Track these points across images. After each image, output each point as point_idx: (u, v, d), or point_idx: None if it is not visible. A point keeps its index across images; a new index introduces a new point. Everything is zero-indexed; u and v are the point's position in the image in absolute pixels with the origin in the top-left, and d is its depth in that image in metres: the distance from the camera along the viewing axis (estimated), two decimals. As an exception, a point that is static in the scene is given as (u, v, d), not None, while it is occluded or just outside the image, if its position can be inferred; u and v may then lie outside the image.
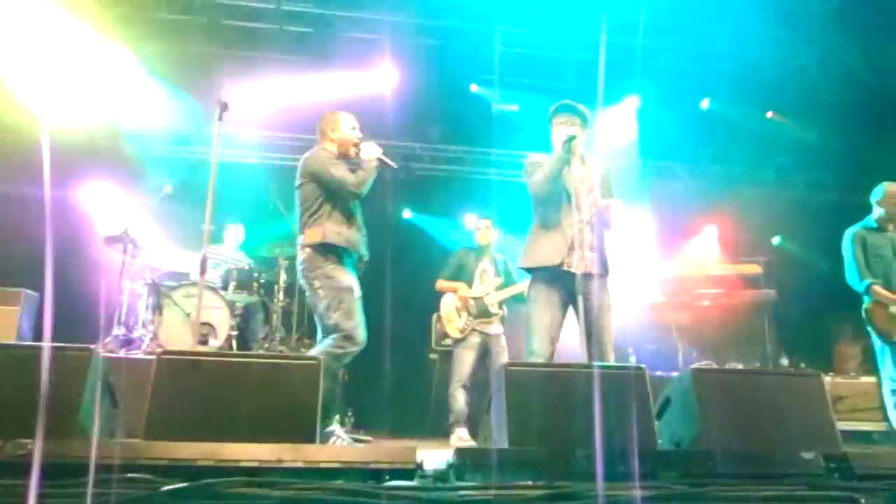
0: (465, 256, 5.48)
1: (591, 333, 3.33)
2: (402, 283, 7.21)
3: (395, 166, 4.01)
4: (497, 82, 7.19)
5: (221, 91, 5.86)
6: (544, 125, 3.83)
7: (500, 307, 5.30)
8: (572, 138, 3.46)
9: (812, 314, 7.67)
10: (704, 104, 7.69)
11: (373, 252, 7.32)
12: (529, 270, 3.60)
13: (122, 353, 5.16)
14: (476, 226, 5.57)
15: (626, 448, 2.26)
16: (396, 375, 6.76)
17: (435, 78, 7.12)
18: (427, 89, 7.04)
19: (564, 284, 3.44)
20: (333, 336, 3.60)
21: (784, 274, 7.25)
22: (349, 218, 3.78)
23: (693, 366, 3.32)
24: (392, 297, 7.25)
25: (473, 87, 7.42)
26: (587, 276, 3.38)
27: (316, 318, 3.79)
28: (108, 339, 5.37)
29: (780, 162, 8.00)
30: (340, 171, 3.74)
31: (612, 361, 3.34)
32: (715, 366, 5.11)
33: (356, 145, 3.85)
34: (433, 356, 6.40)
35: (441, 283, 5.46)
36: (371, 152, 3.76)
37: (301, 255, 3.77)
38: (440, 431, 5.55)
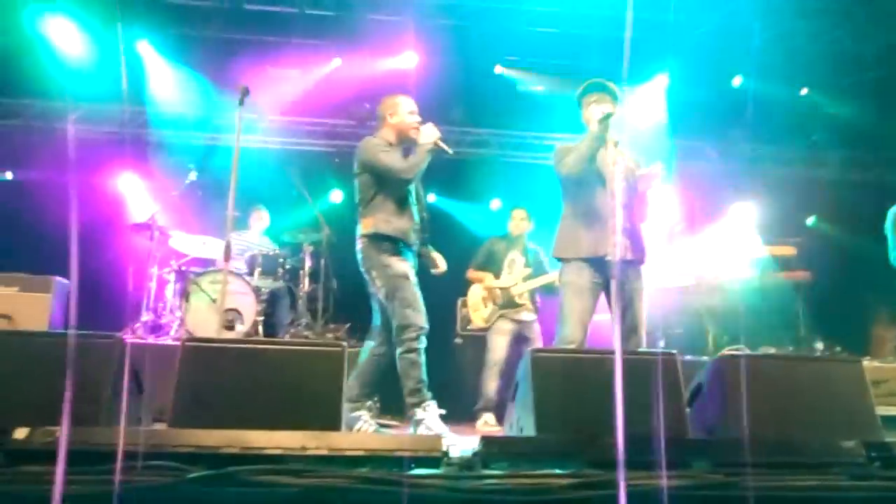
0: (495, 244, 5.42)
1: (624, 320, 3.27)
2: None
3: (451, 152, 3.91)
4: (522, 63, 7.07)
5: (243, 76, 5.86)
6: (571, 106, 3.75)
7: (530, 298, 5.22)
8: (609, 115, 3.36)
9: (847, 297, 7.47)
10: (736, 81, 7.47)
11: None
12: (564, 260, 3.52)
13: (150, 339, 5.23)
14: (511, 215, 5.47)
15: (655, 436, 2.21)
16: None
17: (459, 59, 7.02)
18: (451, 71, 6.95)
19: (598, 270, 3.37)
20: (399, 337, 3.59)
21: (819, 255, 7.06)
22: (401, 206, 3.70)
23: (725, 351, 3.24)
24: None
25: (498, 69, 7.30)
26: (622, 262, 3.32)
27: (378, 308, 3.81)
28: (137, 325, 5.44)
29: (815, 140, 7.75)
30: (390, 158, 3.66)
31: (643, 346, 3.28)
32: (748, 350, 5.00)
33: (416, 129, 3.75)
34: (459, 341, 6.37)
35: (471, 273, 5.43)
36: (428, 136, 3.65)
37: (358, 246, 3.75)
38: (467, 417, 5.53)
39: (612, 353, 2.49)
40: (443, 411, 3.66)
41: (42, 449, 1.79)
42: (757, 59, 7.01)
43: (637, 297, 3.36)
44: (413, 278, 3.67)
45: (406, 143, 3.80)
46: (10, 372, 2.13)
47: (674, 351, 2.49)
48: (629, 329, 3.29)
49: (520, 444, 1.95)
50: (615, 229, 3.32)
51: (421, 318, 3.60)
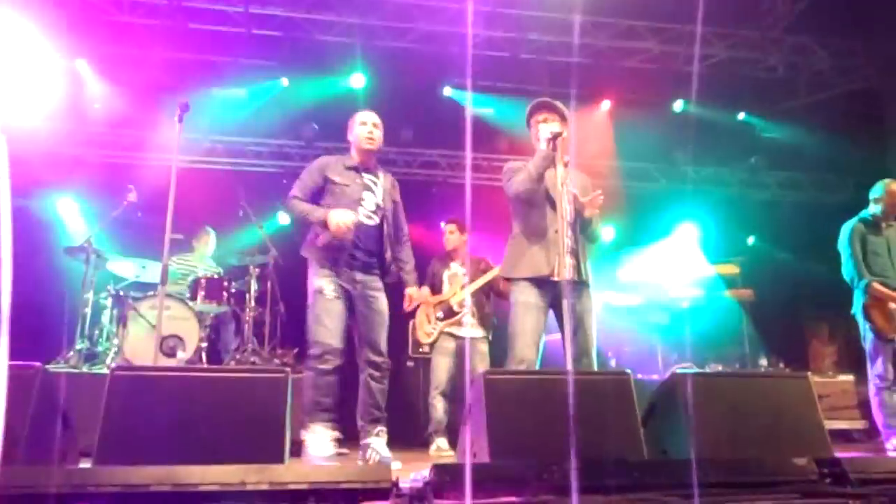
0: (435, 265, 5.39)
1: (575, 340, 3.24)
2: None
3: None
4: (470, 85, 7.11)
5: (188, 96, 5.69)
6: (520, 128, 3.75)
7: (477, 310, 5.17)
8: (558, 134, 3.36)
9: (787, 314, 7.72)
10: (677, 106, 7.70)
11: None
12: (512, 280, 3.49)
13: (84, 369, 4.95)
14: (443, 229, 5.46)
15: (611, 458, 2.16)
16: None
17: (408, 81, 7.01)
18: (400, 92, 6.93)
19: (546, 290, 3.35)
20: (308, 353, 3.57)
21: (760, 274, 7.27)
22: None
23: (676, 369, 3.25)
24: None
25: (446, 91, 7.33)
26: (571, 282, 3.30)
27: None
28: (71, 353, 5.14)
29: (754, 162, 8.03)
30: (294, 190, 3.75)
31: (595, 367, 3.25)
32: (696, 368, 5.06)
33: (369, 139, 3.75)
34: (410, 364, 6.27)
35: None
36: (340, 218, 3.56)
37: None
38: (422, 442, 5.42)
39: (566, 373, 2.45)
40: (336, 434, 3.53)
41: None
42: (696, 85, 7.26)
43: (587, 318, 3.35)
44: (329, 294, 3.55)
45: (364, 156, 3.80)
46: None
47: (628, 370, 2.46)
48: (581, 350, 3.26)
49: (473, 472, 1.87)
50: (565, 250, 3.31)
51: (327, 336, 3.49)
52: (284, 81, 7.19)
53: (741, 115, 7.92)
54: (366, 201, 3.72)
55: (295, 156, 7.84)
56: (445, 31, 6.72)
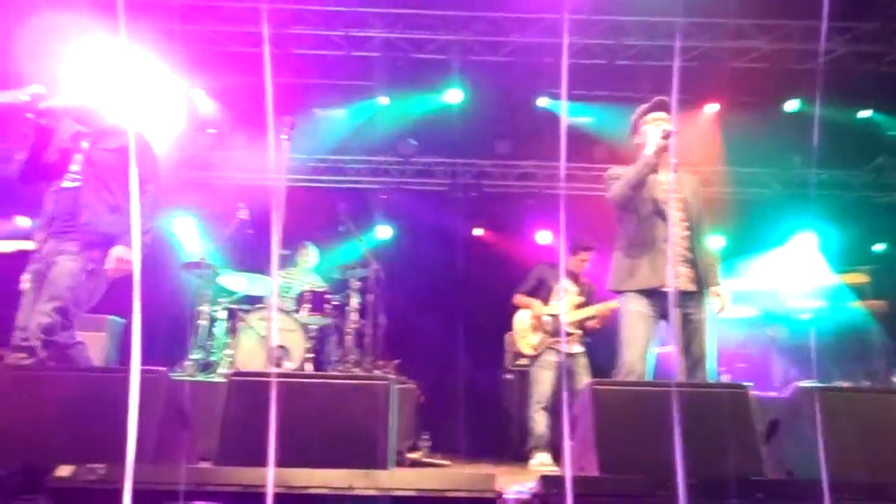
0: (545, 271, 5.23)
1: (688, 352, 3.09)
2: (475, 302, 7.09)
3: None
4: (566, 95, 7.00)
5: (292, 117, 5.96)
6: (618, 137, 3.65)
7: (580, 329, 5.03)
8: (670, 133, 3.21)
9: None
10: (789, 106, 7.24)
11: (443, 270, 7.30)
12: (620, 293, 3.39)
13: (200, 377, 5.23)
14: (577, 255, 5.18)
15: (730, 477, 2.02)
16: (472, 397, 6.61)
17: (502, 94, 7.02)
18: (495, 105, 6.95)
19: (658, 300, 3.21)
20: None
21: (891, 283, 6.65)
22: None
23: (800, 384, 3.01)
24: (465, 317, 7.14)
25: (541, 101, 7.26)
26: (683, 293, 3.18)
27: None
28: (188, 362, 5.46)
29: (880, 163, 7.40)
30: None
31: (707, 380, 3.08)
32: (820, 384, 4.67)
33: None
34: (509, 377, 6.21)
35: (517, 299, 5.26)
36: None
37: None
38: (519, 456, 5.33)
39: (678, 385, 2.32)
40: None
41: (85, 487, 1.73)
42: (809, 82, 6.81)
43: (701, 329, 3.18)
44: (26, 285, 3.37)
45: None
46: (54, 409, 2.10)
47: (746, 384, 2.30)
48: (694, 361, 3.10)
49: (582, 485, 1.80)
50: (675, 259, 3.18)
51: None
52: (382, 100, 7.38)
53: (864, 113, 7.33)
54: None
55: (393, 172, 8.03)
56: (540, 42, 6.67)
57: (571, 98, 7.09)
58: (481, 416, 6.52)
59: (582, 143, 7.27)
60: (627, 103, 6.42)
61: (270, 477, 1.74)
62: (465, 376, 6.76)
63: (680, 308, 3.16)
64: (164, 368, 2.18)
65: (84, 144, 3.40)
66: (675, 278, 3.19)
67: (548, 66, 6.87)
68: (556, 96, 7.22)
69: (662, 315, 3.23)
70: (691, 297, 3.21)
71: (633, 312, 3.23)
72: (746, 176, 7.62)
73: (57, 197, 3.32)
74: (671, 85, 6.10)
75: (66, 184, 3.33)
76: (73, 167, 3.36)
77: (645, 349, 3.16)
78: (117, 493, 1.73)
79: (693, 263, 3.25)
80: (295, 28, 6.66)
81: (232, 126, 7.43)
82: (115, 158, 3.38)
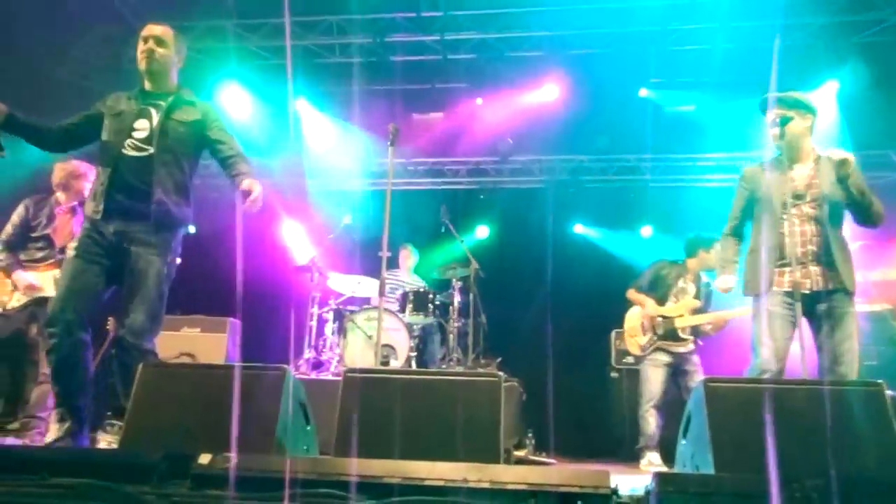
0: (664, 269, 5.03)
1: (824, 349, 2.97)
2: (578, 299, 7.00)
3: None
4: (669, 83, 6.78)
5: (392, 123, 6.13)
6: (724, 123, 3.53)
7: (692, 332, 4.84)
8: (782, 135, 3.13)
9: None
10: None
11: (542, 268, 7.25)
12: (753, 297, 3.29)
13: (312, 375, 5.49)
14: (698, 253, 4.98)
15: (866, 479, 1.91)
16: (576, 395, 6.54)
17: (601, 87, 6.88)
18: (593, 99, 6.83)
19: (793, 300, 3.08)
20: None
21: None
22: None
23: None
24: (566, 314, 7.06)
25: (642, 92, 7.04)
26: (817, 293, 3.09)
27: None
28: (300, 361, 5.75)
29: None
30: None
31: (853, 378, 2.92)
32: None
33: None
34: (614, 375, 6.10)
35: (632, 294, 5.09)
36: None
37: None
38: (626, 455, 5.22)
39: (800, 382, 2.21)
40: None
41: (221, 474, 1.88)
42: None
43: (840, 326, 3.04)
44: (72, 252, 3.03)
45: None
46: (193, 402, 2.29)
47: (879, 381, 2.15)
48: (832, 359, 2.97)
49: (699, 483, 1.75)
50: (807, 259, 3.11)
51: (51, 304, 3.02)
52: (479, 100, 7.43)
53: None
54: None
55: (491, 171, 8.07)
56: (640, 31, 6.49)
57: (675, 87, 6.86)
58: (585, 414, 6.44)
59: (687, 131, 7.01)
60: (735, 88, 6.16)
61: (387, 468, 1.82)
62: (568, 374, 6.69)
63: (815, 306, 3.08)
64: (287, 366, 2.32)
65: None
66: (806, 279, 3.10)
67: (648, 55, 6.68)
68: (657, 86, 6.99)
69: (799, 315, 3.11)
70: (826, 296, 3.10)
71: (767, 312, 3.12)
72: (875, 158, 7.05)
73: (118, 164, 2.99)
74: (782, 66, 5.78)
75: (129, 152, 3.02)
76: (138, 134, 3.05)
77: (777, 350, 3.05)
78: (250, 480, 1.87)
79: (825, 262, 3.12)
80: (391, 36, 6.83)
81: (335, 134, 7.72)
82: (187, 133, 3.14)
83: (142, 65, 3.17)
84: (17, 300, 4.22)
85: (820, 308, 3.09)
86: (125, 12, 6.32)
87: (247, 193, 2.96)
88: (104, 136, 3.09)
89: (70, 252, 3.00)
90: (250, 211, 2.98)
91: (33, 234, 4.27)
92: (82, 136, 3.19)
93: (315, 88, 7.43)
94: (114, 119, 3.10)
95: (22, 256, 4.27)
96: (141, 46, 3.16)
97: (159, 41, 3.16)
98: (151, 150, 3.04)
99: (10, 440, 3.21)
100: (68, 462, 1.94)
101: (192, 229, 7.98)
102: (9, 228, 4.32)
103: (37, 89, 3.38)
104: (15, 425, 4.35)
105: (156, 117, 3.09)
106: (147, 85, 3.22)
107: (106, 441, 2.90)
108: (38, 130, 3.07)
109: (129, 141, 3.03)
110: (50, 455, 2.24)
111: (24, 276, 4.19)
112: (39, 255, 4.25)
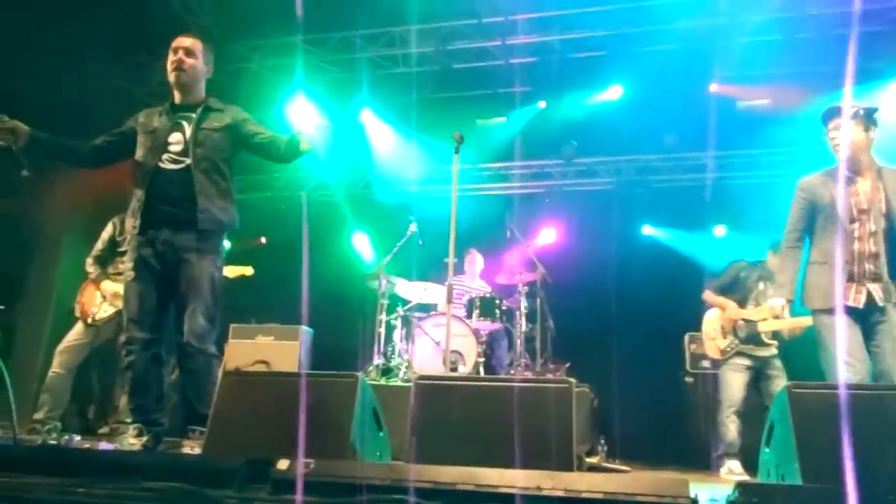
0: (743, 270, 4.82)
1: (877, 360, 2.89)
2: (647, 302, 6.83)
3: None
4: (739, 77, 6.54)
5: (456, 130, 6.17)
6: (799, 116, 3.41)
7: (776, 336, 4.64)
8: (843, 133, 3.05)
9: None
10: None
11: (610, 271, 7.11)
12: (814, 310, 3.27)
13: (382, 382, 5.57)
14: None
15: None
16: (647, 400, 6.38)
17: (667, 84, 6.70)
18: (660, 97, 6.66)
19: (854, 316, 3.11)
20: None
21: None
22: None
23: None
24: (636, 318, 6.90)
25: (713, 88, 6.81)
26: (873, 307, 3.07)
27: None
28: (370, 368, 5.83)
29: None
30: None
31: None
32: None
33: None
34: (689, 379, 5.91)
35: (709, 295, 4.88)
36: None
37: None
38: (701, 463, 5.05)
39: (893, 388, 2.09)
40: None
41: (300, 479, 1.93)
42: None
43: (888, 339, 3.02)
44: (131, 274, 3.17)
45: None
46: (271, 409, 2.36)
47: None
48: (879, 373, 2.88)
49: (785, 493, 1.68)
50: (864, 276, 3.10)
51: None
52: (542, 104, 7.38)
53: None
54: None
55: (556, 174, 8.00)
56: (707, 24, 6.29)
57: (746, 80, 6.61)
58: (657, 420, 6.27)
59: (760, 126, 6.74)
60: (810, 79, 5.88)
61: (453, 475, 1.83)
62: (638, 379, 6.53)
63: (868, 319, 3.08)
64: (360, 373, 2.37)
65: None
66: (859, 294, 3.11)
67: (717, 49, 6.46)
68: (727, 80, 6.76)
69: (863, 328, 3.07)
70: (883, 311, 3.09)
71: (828, 328, 3.11)
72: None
73: (155, 178, 3.11)
74: (860, 57, 5.49)
75: (166, 165, 3.13)
76: (174, 147, 3.16)
77: (853, 357, 2.99)
78: (326, 485, 1.91)
79: (887, 277, 3.12)
80: (453, 44, 6.87)
81: (400, 143, 7.83)
82: (222, 138, 3.23)
83: (171, 76, 3.27)
84: (104, 311, 4.56)
85: (874, 320, 3.09)
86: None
87: (304, 135, 3.13)
88: (139, 153, 3.22)
89: (129, 275, 3.15)
90: (308, 147, 3.18)
91: (119, 249, 4.60)
92: (116, 152, 3.32)
93: (379, 100, 7.55)
94: (148, 136, 3.23)
95: (110, 270, 4.63)
96: (171, 57, 3.27)
97: (188, 52, 3.27)
98: (188, 160, 3.15)
99: (103, 444, 3.40)
100: (159, 467, 2.04)
101: (263, 240, 8.35)
102: (99, 245, 4.72)
103: (118, 112, 3.57)
104: (105, 430, 4.65)
105: (188, 129, 3.20)
106: (177, 97, 3.32)
107: (189, 447, 3.03)
108: (67, 150, 3.24)
109: (165, 155, 3.16)
110: (143, 459, 2.36)
111: (111, 286, 4.55)
112: (124, 267, 4.54)
